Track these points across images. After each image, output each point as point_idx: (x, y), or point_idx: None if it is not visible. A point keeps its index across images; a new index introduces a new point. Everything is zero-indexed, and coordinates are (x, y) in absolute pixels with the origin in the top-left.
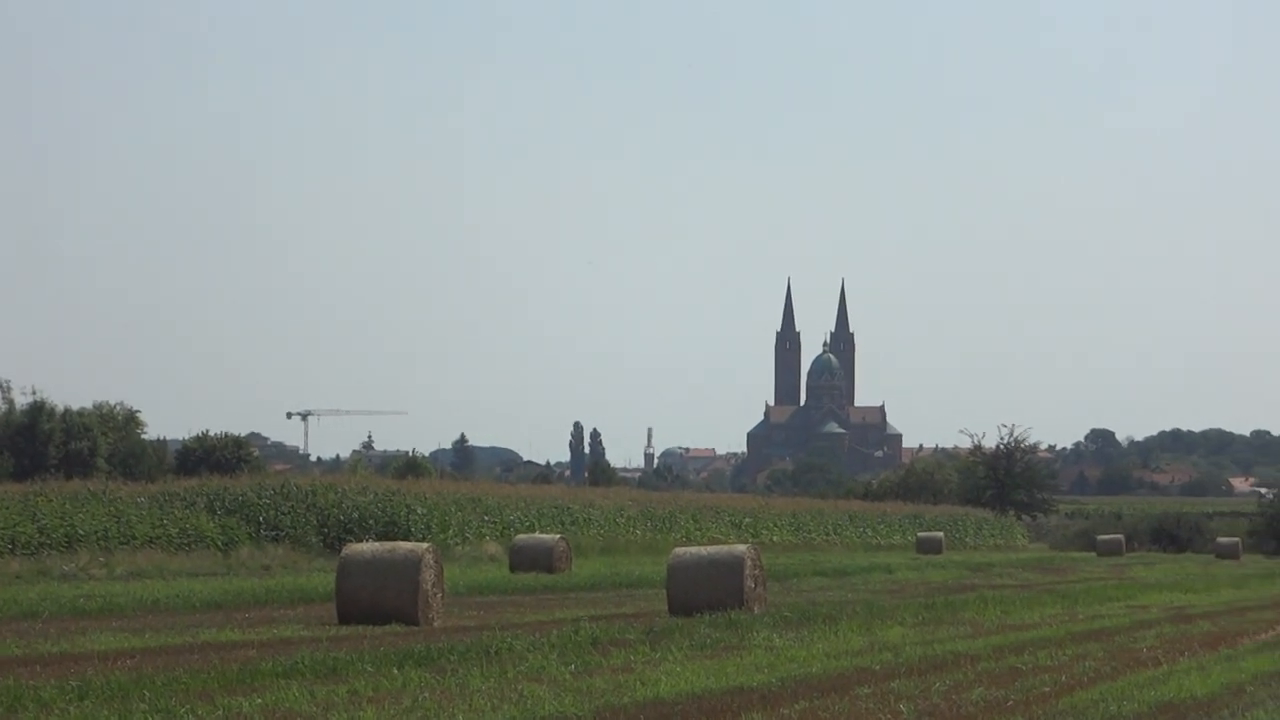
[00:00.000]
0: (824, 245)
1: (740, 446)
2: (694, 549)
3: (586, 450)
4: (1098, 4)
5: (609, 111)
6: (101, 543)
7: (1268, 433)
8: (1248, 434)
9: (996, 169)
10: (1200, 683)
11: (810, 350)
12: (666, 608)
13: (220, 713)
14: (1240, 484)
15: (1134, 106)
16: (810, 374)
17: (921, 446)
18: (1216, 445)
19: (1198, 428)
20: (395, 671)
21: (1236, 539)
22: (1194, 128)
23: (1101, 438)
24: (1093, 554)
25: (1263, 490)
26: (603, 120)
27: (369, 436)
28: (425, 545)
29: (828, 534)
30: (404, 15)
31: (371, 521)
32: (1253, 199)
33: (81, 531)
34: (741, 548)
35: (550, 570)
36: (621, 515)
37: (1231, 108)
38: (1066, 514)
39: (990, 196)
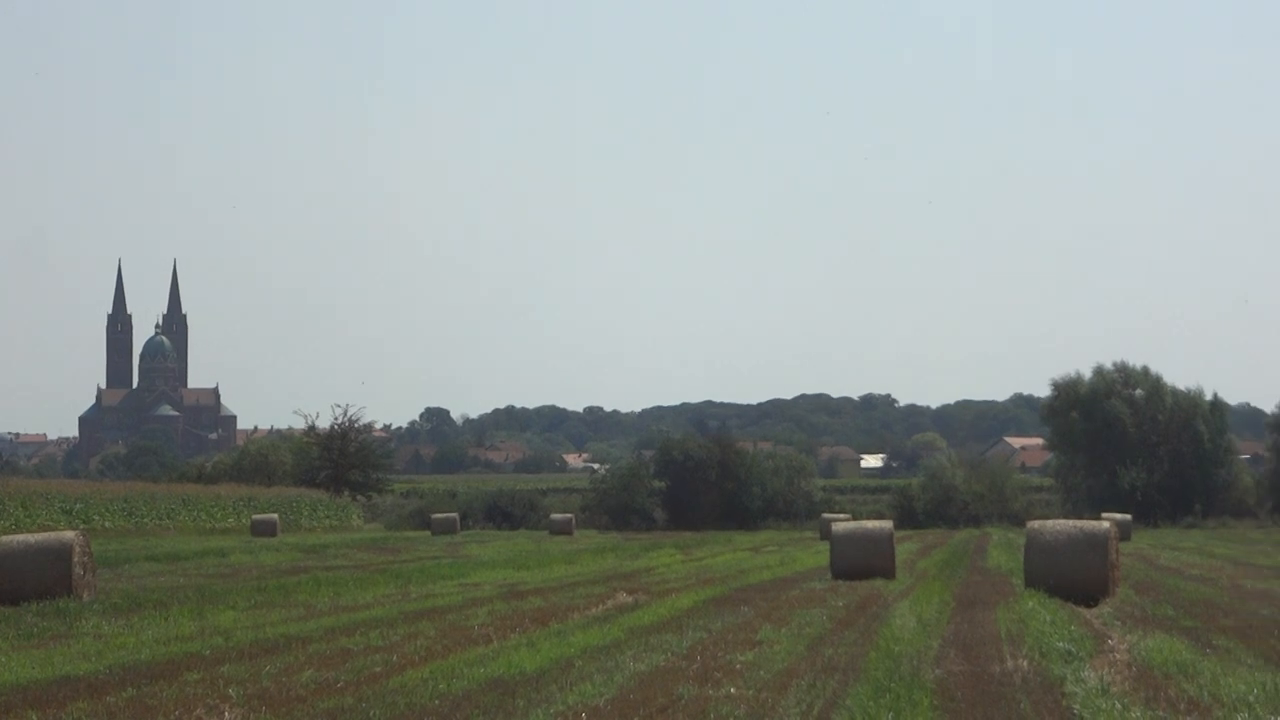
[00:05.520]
0: (156, 225)
1: (72, 431)
2: (19, 537)
3: None
4: None
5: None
6: None
7: (600, 409)
8: (580, 410)
9: (330, 142)
10: (529, 658)
11: (143, 332)
12: None
13: None
14: (574, 460)
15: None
16: (143, 356)
17: (256, 428)
18: (550, 422)
19: (531, 405)
20: None
21: (570, 515)
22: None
23: (437, 416)
24: (428, 533)
25: (595, 465)
26: None
27: None
28: None
29: (161, 519)
30: None
31: None
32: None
33: None
34: (70, 534)
35: None
36: None
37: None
38: (402, 493)
39: (314, 173)
